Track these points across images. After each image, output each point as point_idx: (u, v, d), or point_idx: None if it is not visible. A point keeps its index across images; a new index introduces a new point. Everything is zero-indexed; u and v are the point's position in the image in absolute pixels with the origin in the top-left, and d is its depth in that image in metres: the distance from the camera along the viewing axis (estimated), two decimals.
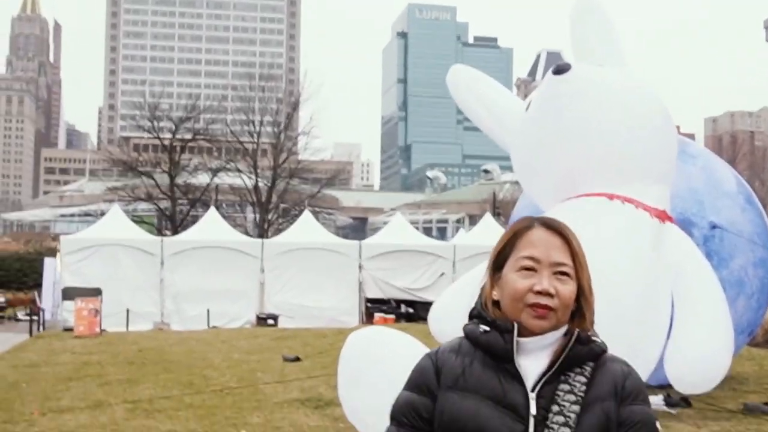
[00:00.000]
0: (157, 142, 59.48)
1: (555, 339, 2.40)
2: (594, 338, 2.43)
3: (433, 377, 2.44)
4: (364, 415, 8.29)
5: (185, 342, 18.41)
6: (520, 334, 2.38)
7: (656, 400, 10.33)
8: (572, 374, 2.37)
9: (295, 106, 63.51)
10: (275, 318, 25.30)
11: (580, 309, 2.42)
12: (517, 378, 2.36)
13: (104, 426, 9.59)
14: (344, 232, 72.49)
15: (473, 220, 66.74)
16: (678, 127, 9.52)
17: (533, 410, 2.32)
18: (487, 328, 2.42)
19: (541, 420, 2.31)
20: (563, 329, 2.41)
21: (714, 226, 10.51)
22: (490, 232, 28.26)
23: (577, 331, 2.39)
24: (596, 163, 8.42)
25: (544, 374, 2.36)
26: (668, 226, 8.48)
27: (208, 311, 24.82)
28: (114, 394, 11.69)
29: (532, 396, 2.34)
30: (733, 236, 10.66)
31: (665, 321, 8.02)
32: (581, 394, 2.34)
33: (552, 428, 2.30)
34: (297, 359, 15.27)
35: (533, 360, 2.38)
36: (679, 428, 9.34)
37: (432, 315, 10.02)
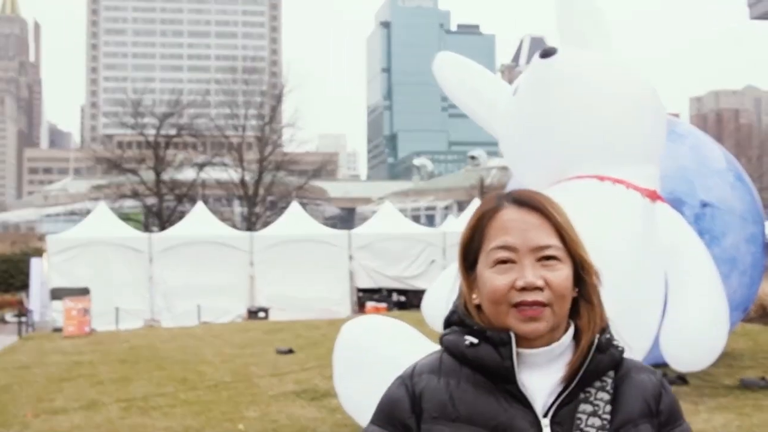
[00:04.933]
0: (141, 138, 59.19)
1: (565, 347, 1.93)
2: (614, 341, 1.97)
3: (409, 408, 1.95)
4: (361, 404, 8.25)
5: (177, 338, 18.33)
6: (518, 345, 1.90)
7: None
8: (593, 390, 1.91)
9: (279, 99, 63.35)
10: (266, 311, 25.25)
11: (582, 296, 1.95)
12: (522, 400, 1.88)
13: (99, 426, 9.51)
14: (332, 222, 72.41)
15: (461, 206, 66.66)
16: (664, 108, 9.48)
17: None
18: (475, 340, 1.92)
19: None
20: (571, 332, 1.94)
21: (705, 204, 10.49)
22: None
23: (597, 336, 1.92)
24: (585, 145, 8.40)
25: (559, 394, 1.90)
26: (659, 206, 8.47)
27: (198, 307, 24.73)
28: (107, 393, 11.62)
29: (545, 423, 1.87)
30: (724, 213, 10.65)
31: (660, 300, 8.01)
32: (607, 416, 1.88)
33: None
34: (290, 351, 15.22)
35: (540, 376, 1.91)
36: None
37: (425, 302, 9.99)
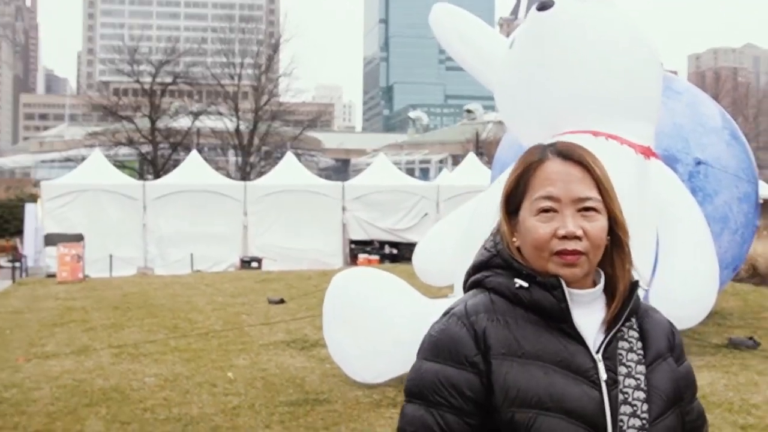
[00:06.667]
0: (137, 86, 58.87)
1: (602, 290, 2.07)
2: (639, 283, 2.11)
3: (473, 346, 1.99)
4: (349, 353, 8.32)
5: (169, 286, 18.35)
6: None
7: None
8: (625, 329, 2.06)
9: (275, 48, 63.08)
10: (259, 261, 25.31)
11: (614, 245, 2.07)
12: (577, 338, 2.00)
13: (90, 371, 9.55)
14: (327, 173, 72.34)
15: (456, 160, 66.59)
16: (661, 65, 9.43)
17: (603, 375, 1.98)
18: (525, 284, 2.03)
19: (612, 384, 1.98)
20: (603, 277, 2.08)
21: (699, 162, 10.47)
22: (473, 172, 28.31)
23: (636, 279, 2.07)
24: (580, 100, 8.36)
25: (607, 331, 2.02)
26: (653, 162, 8.45)
27: (191, 255, 24.78)
28: (99, 339, 11.66)
29: (598, 358, 1.99)
30: (718, 172, 10.63)
31: (650, 257, 8.02)
32: (640, 351, 2.05)
33: (626, 393, 1.98)
34: (282, 301, 15.26)
35: (584, 315, 2.02)
36: None
37: (416, 255, 10.01)
